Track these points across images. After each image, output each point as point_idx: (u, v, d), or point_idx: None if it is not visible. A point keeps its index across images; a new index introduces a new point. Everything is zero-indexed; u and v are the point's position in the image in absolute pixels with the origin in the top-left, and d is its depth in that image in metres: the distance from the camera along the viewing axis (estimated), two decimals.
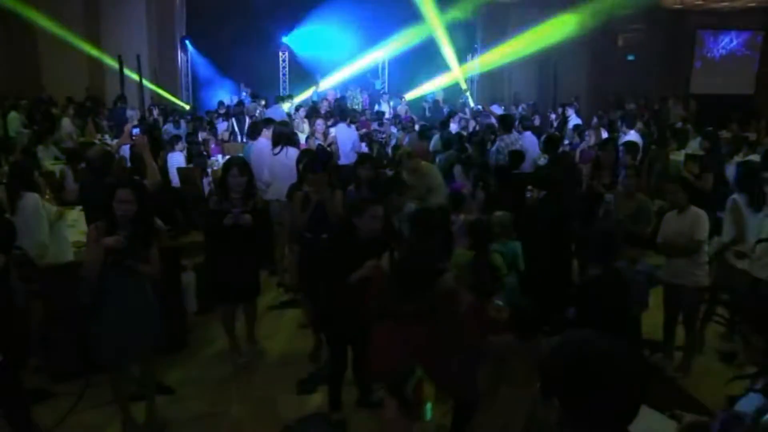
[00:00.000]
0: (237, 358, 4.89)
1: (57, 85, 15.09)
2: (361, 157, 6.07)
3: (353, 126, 10.04)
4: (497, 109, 14.55)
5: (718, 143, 8.29)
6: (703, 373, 4.70)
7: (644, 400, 1.47)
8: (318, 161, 5.16)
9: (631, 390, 1.43)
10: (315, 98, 16.29)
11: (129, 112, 11.94)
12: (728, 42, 19.59)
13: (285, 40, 19.22)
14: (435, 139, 8.67)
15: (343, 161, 8.45)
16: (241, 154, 7.08)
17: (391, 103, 16.46)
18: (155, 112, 13.52)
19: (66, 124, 11.24)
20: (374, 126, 11.72)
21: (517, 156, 6.96)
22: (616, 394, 1.40)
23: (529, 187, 5.72)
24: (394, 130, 11.42)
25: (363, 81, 19.19)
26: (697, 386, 4.57)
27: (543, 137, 8.29)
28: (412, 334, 3.23)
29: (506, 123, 8.34)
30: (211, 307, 5.39)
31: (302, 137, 9.33)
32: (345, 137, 9.11)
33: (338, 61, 18.76)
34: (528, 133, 8.76)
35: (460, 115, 13.05)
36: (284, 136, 6.65)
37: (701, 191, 6.18)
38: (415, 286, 3.30)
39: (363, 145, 9.54)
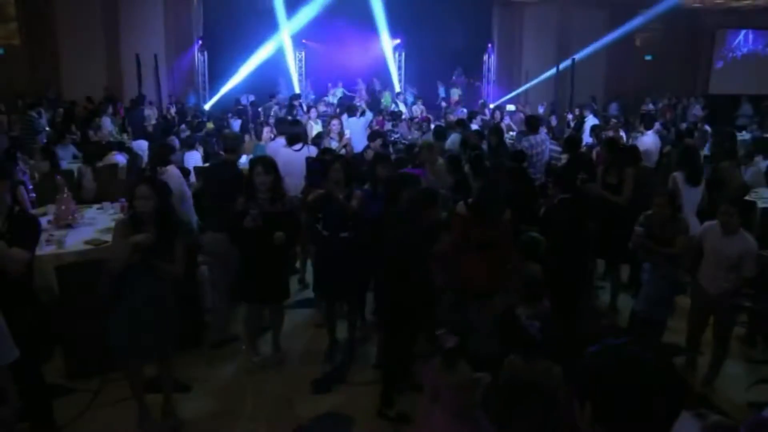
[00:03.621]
0: (253, 357, 4.88)
1: (76, 84, 15.28)
2: (379, 156, 6.07)
3: (361, 118, 10.68)
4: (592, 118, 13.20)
5: (735, 144, 8.18)
6: (721, 378, 4.61)
7: (680, 408, 1.44)
8: (316, 174, 5.32)
9: (665, 399, 1.40)
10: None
11: (147, 111, 12.05)
12: (750, 41, 19.28)
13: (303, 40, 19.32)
14: (452, 139, 8.63)
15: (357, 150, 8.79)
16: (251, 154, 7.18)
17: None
18: (173, 110, 13.63)
19: (106, 123, 11.37)
20: (387, 126, 11.72)
21: (518, 156, 6.88)
22: (649, 402, 1.37)
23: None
24: (415, 133, 11.40)
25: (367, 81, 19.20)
26: (713, 390, 4.52)
27: (566, 137, 8.22)
28: (491, 258, 4.15)
29: (532, 123, 8.27)
30: (228, 305, 5.40)
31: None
32: (355, 129, 9.69)
33: (352, 61, 18.81)
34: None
35: (481, 116, 13.01)
36: (302, 136, 6.85)
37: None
38: (492, 217, 4.24)
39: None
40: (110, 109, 11.72)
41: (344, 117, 11.60)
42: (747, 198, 6.73)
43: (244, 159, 7.02)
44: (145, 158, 9.66)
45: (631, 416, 1.37)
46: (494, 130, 8.39)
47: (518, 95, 19.06)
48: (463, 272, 4.41)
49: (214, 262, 5.23)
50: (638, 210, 4.96)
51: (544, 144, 7.89)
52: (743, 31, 19.25)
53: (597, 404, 1.41)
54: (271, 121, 11.52)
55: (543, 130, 8.79)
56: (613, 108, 14.90)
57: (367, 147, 8.03)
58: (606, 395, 1.40)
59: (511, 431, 3.08)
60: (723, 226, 4.31)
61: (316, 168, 5.70)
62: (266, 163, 4.55)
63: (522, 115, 14.35)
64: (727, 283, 4.33)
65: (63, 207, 5.54)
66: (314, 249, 5.18)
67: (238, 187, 4.69)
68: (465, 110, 14.53)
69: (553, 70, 16.55)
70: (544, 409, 3.08)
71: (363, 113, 11.98)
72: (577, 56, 16.02)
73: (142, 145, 10.18)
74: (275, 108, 13.69)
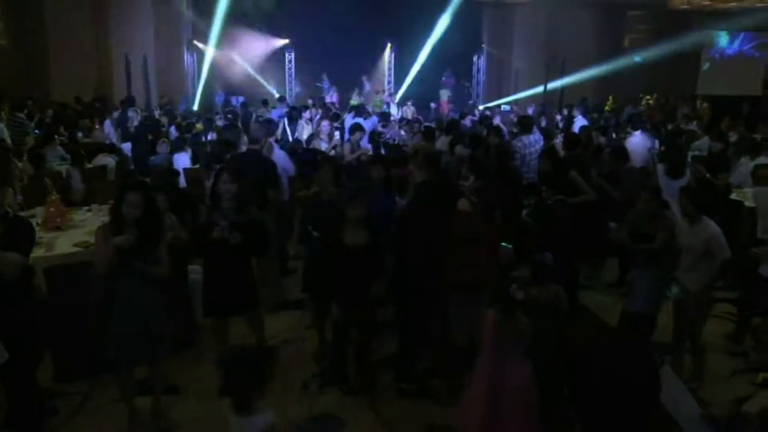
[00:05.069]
0: None
1: (65, 85, 15.16)
2: (373, 158, 6.09)
3: (367, 120, 10.73)
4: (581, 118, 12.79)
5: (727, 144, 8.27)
6: (708, 373, 4.65)
7: (653, 406, 1.47)
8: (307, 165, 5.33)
9: (639, 396, 1.43)
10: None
11: (129, 113, 11.98)
12: (736, 43, 19.44)
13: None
14: (441, 140, 8.66)
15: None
16: None
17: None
18: (157, 113, 13.59)
19: (106, 126, 11.41)
20: (378, 127, 11.73)
21: (503, 156, 6.91)
22: (624, 399, 1.40)
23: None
24: (403, 132, 11.43)
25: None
26: (701, 386, 4.55)
27: (565, 135, 8.23)
28: (480, 253, 4.36)
29: (524, 124, 8.30)
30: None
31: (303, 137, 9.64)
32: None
33: (344, 60, 18.83)
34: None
35: (470, 117, 13.07)
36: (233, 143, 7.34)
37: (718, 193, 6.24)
38: (488, 215, 4.51)
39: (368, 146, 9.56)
40: (117, 113, 11.75)
41: (350, 116, 11.64)
42: (733, 197, 6.81)
43: None
44: (132, 160, 9.65)
45: (605, 407, 1.40)
46: (494, 130, 8.47)
47: (507, 96, 19.13)
48: (454, 266, 4.51)
49: None
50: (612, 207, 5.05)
51: (537, 144, 7.90)
52: (729, 33, 19.40)
53: (574, 390, 1.44)
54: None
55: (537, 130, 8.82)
56: (629, 111, 14.89)
57: (347, 141, 8.07)
58: (582, 383, 1.43)
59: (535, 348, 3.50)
60: (683, 213, 4.55)
61: (308, 159, 5.72)
62: (234, 172, 4.40)
63: (513, 116, 14.41)
64: (701, 275, 4.43)
65: (51, 209, 5.50)
66: (304, 249, 5.17)
67: (262, 173, 5.46)
68: (456, 112, 14.65)
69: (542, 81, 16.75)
70: (556, 324, 3.67)
71: (369, 116, 12.08)
72: (567, 57, 16.12)
73: (126, 147, 10.15)
74: (268, 113, 13.68)
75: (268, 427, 2.71)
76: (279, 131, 10.83)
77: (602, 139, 10.06)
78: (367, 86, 19.27)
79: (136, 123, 11.04)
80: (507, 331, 3.36)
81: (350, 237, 4.24)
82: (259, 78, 18.72)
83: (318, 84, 18.54)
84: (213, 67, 18.35)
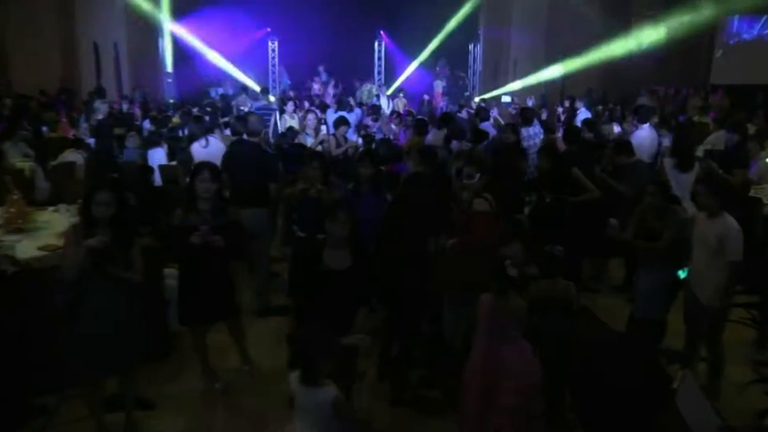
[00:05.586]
0: (212, 384, 4.72)
1: (27, 75, 14.96)
2: (362, 154, 6.08)
3: (351, 114, 10.85)
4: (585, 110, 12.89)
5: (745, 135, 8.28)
6: (726, 382, 4.62)
7: (657, 411, 1.47)
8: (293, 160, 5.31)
9: (642, 400, 1.43)
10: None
11: (96, 104, 11.88)
12: (754, 27, 19.27)
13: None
14: (434, 134, 8.65)
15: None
16: None
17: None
18: (125, 106, 13.51)
19: (83, 120, 11.35)
20: (367, 121, 11.72)
21: (502, 151, 6.89)
22: (626, 404, 1.40)
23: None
24: (393, 126, 11.43)
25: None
26: (719, 397, 4.54)
27: (565, 129, 8.24)
28: (487, 253, 4.29)
29: (526, 116, 8.31)
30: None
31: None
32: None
33: (330, 52, 18.82)
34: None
35: (467, 109, 13.08)
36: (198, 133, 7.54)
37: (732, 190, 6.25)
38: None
39: (359, 140, 9.53)
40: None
41: (331, 111, 11.65)
42: (751, 195, 6.82)
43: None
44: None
45: (607, 411, 1.40)
46: (509, 126, 8.53)
47: (505, 87, 19.14)
48: (463, 267, 4.51)
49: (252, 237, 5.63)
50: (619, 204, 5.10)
51: (537, 137, 7.92)
52: (746, 17, 19.23)
53: (574, 393, 1.44)
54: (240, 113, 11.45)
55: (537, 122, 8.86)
56: (642, 101, 14.92)
57: (332, 135, 8.07)
58: (583, 386, 1.42)
59: (541, 345, 3.60)
60: (701, 207, 4.52)
61: (294, 154, 5.70)
62: (213, 170, 4.35)
63: (512, 109, 14.44)
64: (712, 279, 4.35)
65: (12, 210, 5.43)
66: (290, 250, 5.13)
67: (262, 167, 5.73)
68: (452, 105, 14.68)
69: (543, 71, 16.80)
70: (565, 319, 3.80)
71: (351, 109, 12.05)
72: (568, 45, 16.12)
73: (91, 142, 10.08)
74: (250, 102, 13.60)
75: (338, 399, 2.97)
76: (270, 126, 10.79)
77: (589, 135, 10.08)
78: (324, 76, 19.33)
79: (100, 116, 10.96)
80: (502, 313, 3.46)
81: (331, 260, 3.89)
82: (235, 70, 18.62)
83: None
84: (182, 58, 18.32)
